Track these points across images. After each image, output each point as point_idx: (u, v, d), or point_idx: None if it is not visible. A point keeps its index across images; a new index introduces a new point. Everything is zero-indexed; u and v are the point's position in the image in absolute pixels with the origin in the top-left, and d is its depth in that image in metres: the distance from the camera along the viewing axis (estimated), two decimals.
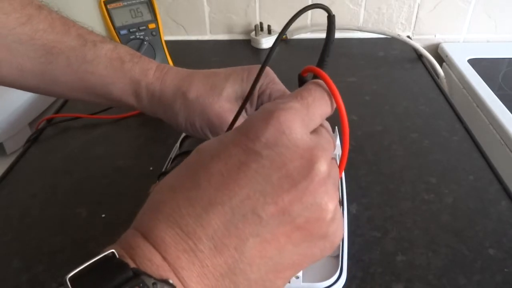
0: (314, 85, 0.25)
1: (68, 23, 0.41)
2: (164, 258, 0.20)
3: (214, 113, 0.38)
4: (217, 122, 0.38)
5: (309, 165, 0.21)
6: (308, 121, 0.23)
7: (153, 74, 0.40)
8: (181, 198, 0.21)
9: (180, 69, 0.42)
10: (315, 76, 0.26)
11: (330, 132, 0.25)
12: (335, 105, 0.25)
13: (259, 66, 0.32)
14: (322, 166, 0.21)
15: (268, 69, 0.40)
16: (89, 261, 0.19)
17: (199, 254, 0.20)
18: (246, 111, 0.41)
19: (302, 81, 0.27)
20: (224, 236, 0.20)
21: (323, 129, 0.24)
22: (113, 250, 0.20)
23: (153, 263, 0.19)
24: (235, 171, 0.20)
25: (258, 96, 0.40)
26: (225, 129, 0.31)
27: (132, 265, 0.19)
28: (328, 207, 0.21)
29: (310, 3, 0.88)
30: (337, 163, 0.25)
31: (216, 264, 0.20)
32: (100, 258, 0.19)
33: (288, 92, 0.40)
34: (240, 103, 0.36)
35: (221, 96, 0.38)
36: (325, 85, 0.25)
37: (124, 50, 0.40)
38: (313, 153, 0.21)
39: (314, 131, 0.23)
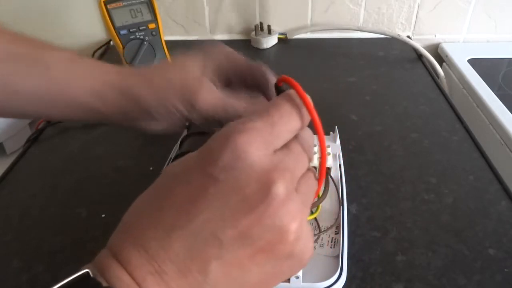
0: (284, 99, 0.24)
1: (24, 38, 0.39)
2: (133, 278, 0.20)
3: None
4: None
5: (265, 188, 0.21)
6: (272, 140, 0.22)
7: (116, 77, 0.37)
8: (146, 221, 0.21)
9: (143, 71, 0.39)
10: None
11: (304, 145, 0.24)
12: (309, 118, 0.24)
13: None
14: (279, 189, 0.21)
15: (219, 45, 0.40)
16: (64, 280, 0.20)
17: (164, 276, 0.20)
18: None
19: (278, 91, 0.26)
20: (186, 259, 0.20)
21: (294, 143, 0.24)
22: (87, 270, 0.20)
23: (124, 283, 0.20)
24: (194, 195, 0.21)
25: (225, 75, 0.39)
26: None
27: (104, 284, 0.20)
28: (290, 228, 0.21)
29: (310, 3, 0.88)
30: (315, 175, 0.25)
31: (181, 286, 0.20)
32: (75, 277, 0.20)
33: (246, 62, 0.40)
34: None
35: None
36: (297, 97, 0.24)
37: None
38: (269, 176, 0.21)
39: (284, 147, 0.23)
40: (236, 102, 0.36)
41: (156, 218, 0.21)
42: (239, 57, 0.39)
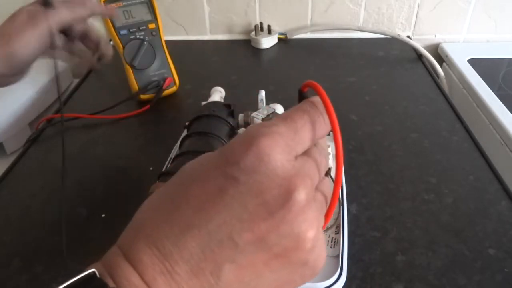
0: (309, 105, 0.24)
1: None
2: (142, 279, 0.20)
3: None
4: None
5: (286, 194, 0.20)
6: (294, 145, 0.22)
7: None
8: (161, 219, 0.21)
9: None
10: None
11: (322, 152, 0.24)
12: (329, 127, 0.24)
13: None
14: (300, 195, 0.21)
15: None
16: (70, 280, 0.19)
17: (176, 276, 0.20)
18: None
19: (302, 97, 0.26)
20: (200, 260, 0.20)
21: (314, 151, 0.23)
22: (94, 270, 0.20)
23: (132, 283, 0.20)
24: (213, 195, 0.20)
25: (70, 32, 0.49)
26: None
27: (112, 284, 0.19)
28: (307, 236, 0.21)
29: (310, 3, 0.88)
30: (331, 179, 0.25)
31: (193, 287, 0.20)
32: (81, 277, 0.20)
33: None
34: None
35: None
36: (321, 104, 0.24)
37: None
38: (291, 182, 0.21)
39: (304, 154, 0.23)
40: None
41: (172, 216, 0.21)
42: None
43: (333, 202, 0.24)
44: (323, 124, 0.24)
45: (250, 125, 0.22)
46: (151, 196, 0.23)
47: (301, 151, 0.23)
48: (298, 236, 0.21)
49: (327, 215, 0.24)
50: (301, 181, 0.21)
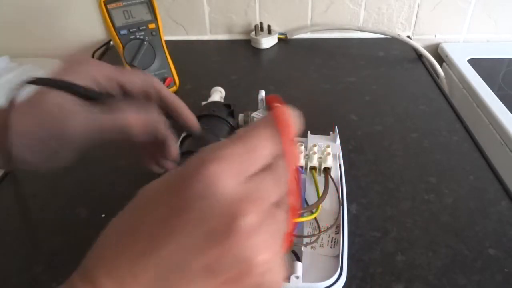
0: (265, 122, 0.23)
1: None
2: None
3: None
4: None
5: (230, 221, 0.20)
6: (248, 166, 0.22)
7: None
8: (118, 245, 0.21)
9: None
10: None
11: (281, 171, 0.23)
12: (290, 142, 0.23)
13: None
14: (246, 220, 0.20)
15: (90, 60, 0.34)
16: None
17: None
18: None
19: (269, 108, 0.25)
20: (157, 287, 0.20)
21: (270, 170, 0.23)
22: None
23: None
24: (163, 223, 0.20)
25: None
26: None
27: None
28: (257, 260, 0.21)
29: (310, 3, 0.88)
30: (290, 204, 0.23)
31: None
32: None
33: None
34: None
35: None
36: (286, 115, 0.23)
37: None
38: (238, 207, 0.20)
39: (263, 171, 0.22)
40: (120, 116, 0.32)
41: (127, 243, 0.21)
42: (115, 71, 0.34)
43: (291, 220, 0.23)
44: (280, 141, 0.23)
45: (206, 147, 0.22)
46: (113, 219, 0.23)
47: (254, 170, 0.22)
48: (247, 262, 0.20)
49: (289, 233, 0.23)
50: (249, 205, 0.20)
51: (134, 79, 0.33)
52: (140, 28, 0.67)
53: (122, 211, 0.23)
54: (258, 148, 0.22)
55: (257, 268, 0.21)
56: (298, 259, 0.39)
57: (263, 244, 0.21)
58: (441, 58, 0.89)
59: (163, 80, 0.70)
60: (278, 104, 0.24)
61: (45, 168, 0.32)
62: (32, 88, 0.30)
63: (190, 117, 0.35)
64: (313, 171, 0.46)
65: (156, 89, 0.34)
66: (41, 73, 0.80)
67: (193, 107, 0.39)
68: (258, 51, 0.88)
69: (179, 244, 0.20)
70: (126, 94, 0.33)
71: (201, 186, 0.20)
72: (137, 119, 0.31)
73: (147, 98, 0.34)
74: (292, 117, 0.23)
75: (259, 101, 0.55)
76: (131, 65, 0.67)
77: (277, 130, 0.23)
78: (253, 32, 0.89)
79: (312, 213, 0.43)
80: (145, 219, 0.21)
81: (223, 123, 0.50)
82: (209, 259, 0.20)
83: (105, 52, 0.89)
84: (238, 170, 0.21)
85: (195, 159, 0.21)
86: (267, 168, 0.23)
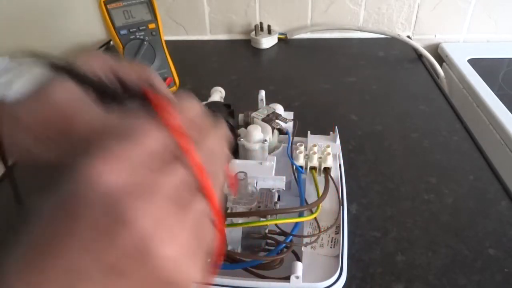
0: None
1: None
2: None
3: None
4: None
5: (116, 215, 0.19)
6: (131, 157, 0.20)
7: None
8: (25, 257, 0.20)
9: None
10: None
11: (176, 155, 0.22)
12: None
13: None
14: (132, 211, 0.19)
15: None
16: None
17: None
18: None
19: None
20: None
21: (165, 158, 0.21)
22: None
23: None
24: (57, 231, 0.20)
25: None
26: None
27: None
28: (156, 253, 0.20)
29: (310, 3, 0.88)
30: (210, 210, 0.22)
31: None
32: None
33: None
34: None
35: None
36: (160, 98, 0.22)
37: None
38: (122, 200, 0.19)
39: (154, 161, 0.21)
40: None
41: (31, 257, 0.20)
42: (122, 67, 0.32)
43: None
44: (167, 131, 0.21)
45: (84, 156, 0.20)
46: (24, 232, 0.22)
47: (144, 159, 0.21)
48: (145, 256, 0.20)
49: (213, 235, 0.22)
50: (136, 197, 0.20)
51: (131, 74, 0.31)
52: (140, 28, 0.67)
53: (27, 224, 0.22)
54: (138, 136, 0.21)
55: (158, 262, 0.20)
56: (298, 259, 0.39)
57: (160, 236, 0.20)
58: (441, 58, 0.89)
59: (163, 80, 0.70)
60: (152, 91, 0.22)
61: (45, 160, 0.31)
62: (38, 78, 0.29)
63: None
64: (313, 171, 0.46)
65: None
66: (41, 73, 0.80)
67: None
68: (258, 51, 0.88)
69: (75, 250, 0.19)
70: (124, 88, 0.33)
71: (82, 188, 0.20)
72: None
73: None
74: (169, 99, 0.22)
75: (259, 101, 0.55)
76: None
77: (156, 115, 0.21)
78: (253, 32, 0.89)
79: (312, 213, 0.43)
80: (42, 230, 0.20)
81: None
82: (109, 259, 0.19)
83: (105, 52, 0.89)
84: (119, 164, 0.20)
85: (73, 167, 0.20)
86: (160, 158, 0.21)
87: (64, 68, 0.26)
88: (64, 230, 0.20)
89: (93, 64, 0.30)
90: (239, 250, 0.38)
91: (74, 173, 0.20)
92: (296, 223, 0.40)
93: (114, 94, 0.28)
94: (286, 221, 0.39)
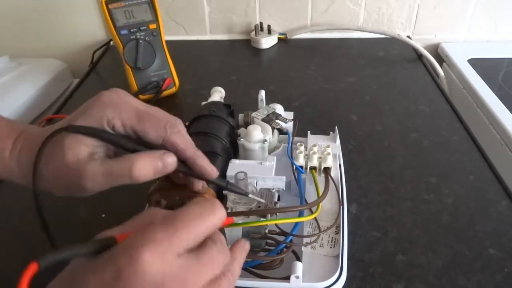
0: (194, 204, 0.27)
1: None
2: None
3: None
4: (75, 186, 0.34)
5: None
6: (173, 247, 0.24)
7: (9, 155, 0.34)
8: None
9: (35, 135, 0.35)
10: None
11: (218, 246, 0.26)
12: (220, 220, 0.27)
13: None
14: None
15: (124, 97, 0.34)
16: None
17: None
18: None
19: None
20: None
21: (209, 245, 0.26)
22: None
23: None
24: None
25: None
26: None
27: None
28: None
29: (310, 3, 0.88)
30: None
31: None
32: None
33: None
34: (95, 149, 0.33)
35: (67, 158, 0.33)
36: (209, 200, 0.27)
37: None
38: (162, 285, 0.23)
39: (194, 252, 0.25)
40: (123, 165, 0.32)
41: None
42: (152, 118, 0.33)
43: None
44: (210, 218, 0.26)
45: (132, 235, 0.24)
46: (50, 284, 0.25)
47: (186, 247, 0.25)
48: None
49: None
50: (174, 283, 0.23)
51: (149, 131, 0.32)
52: (141, 28, 0.67)
53: (58, 278, 0.25)
54: (182, 230, 0.25)
55: None
56: (298, 259, 0.39)
57: None
58: (441, 58, 0.89)
59: (163, 81, 0.69)
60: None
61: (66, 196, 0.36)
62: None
63: (206, 169, 0.34)
64: (313, 171, 0.46)
65: (171, 142, 0.33)
66: (41, 73, 0.80)
67: (193, 107, 0.39)
68: (258, 51, 0.88)
69: None
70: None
71: (129, 270, 0.22)
72: (144, 166, 0.32)
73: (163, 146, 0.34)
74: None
75: (259, 101, 0.55)
76: (131, 65, 0.67)
77: (204, 212, 0.26)
78: (253, 32, 0.89)
79: (312, 212, 0.43)
80: None
81: (223, 123, 0.50)
82: None
83: (105, 52, 0.89)
84: (163, 252, 0.23)
85: (122, 246, 0.24)
86: (204, 244, 0.26)
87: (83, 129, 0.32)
88: None
89: (109, 115, 0.32)
90: None
91: (120, 250, 0.23)
92: (296, 223, 0.40)
93: (129, 147, 0.33)
94: (286, 221, 0.39)
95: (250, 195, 0.37)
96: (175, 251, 0.24)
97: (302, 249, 0.40)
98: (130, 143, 0.32)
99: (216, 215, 0.27)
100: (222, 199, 0.40)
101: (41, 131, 0.35)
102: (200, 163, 0.34)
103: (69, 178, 0.32)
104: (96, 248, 0.24)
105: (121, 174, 0.31)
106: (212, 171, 0.34)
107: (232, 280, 0.27)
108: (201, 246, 0.26)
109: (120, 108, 0.32)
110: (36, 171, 0.31)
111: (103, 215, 0.48)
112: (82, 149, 0.32)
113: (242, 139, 0.47)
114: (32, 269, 0.24)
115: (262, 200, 0.39)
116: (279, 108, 0.53)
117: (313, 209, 0.42)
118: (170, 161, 0.32)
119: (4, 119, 0.36)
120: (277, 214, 0.40)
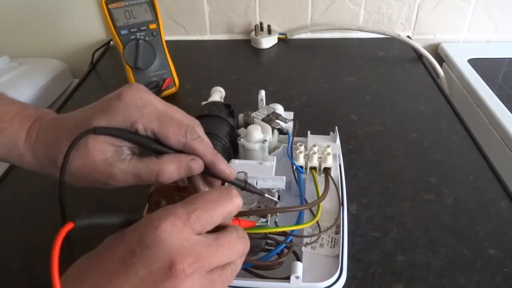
0: (214, 190, 0.29)
1: None
2: None
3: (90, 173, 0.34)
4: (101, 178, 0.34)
5: (168, 267, 0.24)
6: (193, 222, 0.26)
7: (23, 145, 0.34)
8: (80, 279, 0.26)
9: (49, 127, 0.35)
10: None
11: (240, 233, 0.28)
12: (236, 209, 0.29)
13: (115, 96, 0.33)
14: (180, 268, 0.24)
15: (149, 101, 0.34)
16: None
17: None
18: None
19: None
20: None
21: (222, 235, 0.28)
22: None
23: None
24: (115, 263, 0.25)
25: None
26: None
27: None
28: None
29: (310, 3, 0.88)
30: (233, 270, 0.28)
31: None
32: None
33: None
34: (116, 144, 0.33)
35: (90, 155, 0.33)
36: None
37: None
38: (176, 257, 0.25)
39: (210, 235, 0.27)
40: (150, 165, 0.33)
41: (86, 278, 0.25)
42: (173, 122, 0.34)
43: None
44: (227, 204, 0.28)
45: (158, 210, 0.27)
46: (80, 259, 0.27)
47: (203, 226, 0.27)
48: None
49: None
50: (184, 258, 0.25)
51: (171, 137, 0.33)
52: (141, 28, 0.67)
53: (91, 251, 0.27)
54: (201, 210, 0.27)
55: None
56: (298, 259, 0.39)
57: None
58: (441, 58, 0.89)
59: (163, 81, 0.69)
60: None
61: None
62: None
63: (225, 172, 0.35)
64: (313, 171, 0.46)
65: (191, 148, 0.33)
66: (41, 73, 0.80)
67: (193, 107, 0.39)
68: (258, 51, 0.88)
69: (125, 281, 0.24)
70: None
71: (149, 238, 0.25)
72: (172, 171, 0.33)
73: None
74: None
75: (259, 101, 0.55)
76: (131, 65, 0.67)
77: (222, 198, 0.28)
78: (253, 32, 0.89)
79: (312, 213, 0.43)
80: (103, 259, 0.26)
81: (223, 123, 0.50)
82: None
83: (105, 52, 0.89)
84: (181, 226, 0.26)
85: (147, 218, 0.26)
86: (223, 232, 0.28)
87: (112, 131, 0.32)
88: (122, 264, 0.25)
89: (132, 117, 0.32)
90: None
91: (144, 221, 0.26)
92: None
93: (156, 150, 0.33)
94: (288, 229, 0.38)
95: (266, 195, 0.38)
96: (193, 227, 0.26)
97: (302, 249, 0.40)
98: (159, 146, 0.33)
99: (233, 201, 0.29)
100: None
101: (56, 122, 0.35)
102: (220, 167, 0.35)
103: (96, 177, 0.33)
104: (126, 220, 0.27)
105: (148, 176, 0.33)
106: (231, 173, 0.35)
107: (234, 273, 0.29)
108: (222, 230, 0.28)
109: (142, 111, 0.32)
110: (62, 175, 0.32)
111: None
112: (108, 148, 0.32)
113: (242, 139, 0.47)
114: (68, 226, 0.26)
115: (278, 201, 0.40)
116: (279, 108, 0.53)
117: (314, 212, 0.42)
118: (197, 168, 0.34)
119: (16, 104, 0.36)
120: (277, 214, 0.40)
